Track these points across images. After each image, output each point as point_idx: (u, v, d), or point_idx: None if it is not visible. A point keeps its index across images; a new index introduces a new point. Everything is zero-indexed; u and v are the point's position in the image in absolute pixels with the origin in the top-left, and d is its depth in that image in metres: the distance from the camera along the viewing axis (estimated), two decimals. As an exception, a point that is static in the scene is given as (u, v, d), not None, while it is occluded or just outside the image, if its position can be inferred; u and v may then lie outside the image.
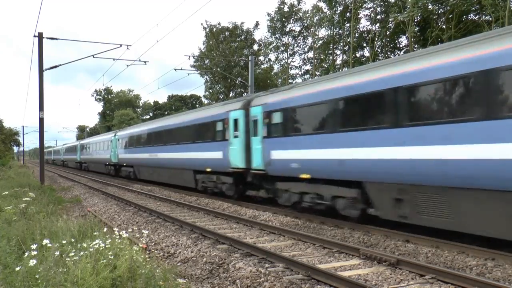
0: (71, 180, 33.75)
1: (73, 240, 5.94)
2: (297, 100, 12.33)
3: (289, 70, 44.79)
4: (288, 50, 43.47)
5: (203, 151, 17.86)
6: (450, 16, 26.87)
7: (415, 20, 28.95)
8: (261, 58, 46.41)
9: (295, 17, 41.52)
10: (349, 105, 10.33)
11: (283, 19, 41.32)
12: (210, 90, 50.52)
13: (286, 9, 41.20)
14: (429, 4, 28.02)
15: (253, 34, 48.59)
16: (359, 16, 34.52)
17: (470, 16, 27.42)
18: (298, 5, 41.20)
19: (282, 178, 13.16)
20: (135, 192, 22.04)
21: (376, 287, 6.12)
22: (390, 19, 30.41)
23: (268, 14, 42.20)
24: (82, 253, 4.70)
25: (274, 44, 43.43)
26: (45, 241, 4.97)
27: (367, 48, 35.25)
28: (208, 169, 17.50)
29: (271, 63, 46.87)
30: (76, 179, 34.44)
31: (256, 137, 14.21)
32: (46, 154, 74.20)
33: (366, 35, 35.26)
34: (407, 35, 30.11)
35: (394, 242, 8.82)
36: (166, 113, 74.12)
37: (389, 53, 34.05)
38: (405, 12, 27.22)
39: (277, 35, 42.81)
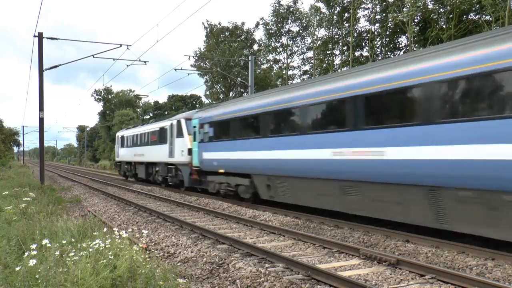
0: (71, 180, 33.76)
1: (73, 240, 5.93)
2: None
3: (288, 70, 44.72)
4: (287, 51, 43.42)
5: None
6: (451, 16, 26.85)
7: (415, 20, 28.92)
8: (261, 58, 46.34)
9: (293, 17, 41.35)
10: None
11: (280, 19, 41.14)
12: (211, 90, 50.46)
13: (282, 10, 40.99)
14: (429, 4, 27.98)
15: (253, 34, 48.53)
16: (357, 16, 34.47)
17: (471, 16, 27.39)
18: (295, 5, 41.03)
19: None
20: (135, 192, 22.05)
21: (376, 287, 6.11)
22: (390, 19, 30.38)
23: (262, 18, 42.12)
24: (82, 253, 4.69)
25: (272, 45, 43.30)
26: (45, 241, 4.97)
27: (367, 48, 35.22)
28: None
29: (271, 63, 46.77)
30: (76, 179, 34.45)
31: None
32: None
33: (365, 35, 35.22)
34: (407, 35, 30.09)
35: (394, 242, 8.82)
36: (166, 113, 74.00)
37: (389, 53, 34.02)
38: (405, 12, 27.20)
39: (273, 38, 42.69)
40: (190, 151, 19.59)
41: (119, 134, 34.65)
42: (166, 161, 22.40)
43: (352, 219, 11.07)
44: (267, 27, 42.23)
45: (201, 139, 17.99)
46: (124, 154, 32.34)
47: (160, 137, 23.41)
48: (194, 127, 18.89)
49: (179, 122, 21.15)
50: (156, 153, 23.85)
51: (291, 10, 40.94)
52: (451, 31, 25.83)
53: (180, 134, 20.77)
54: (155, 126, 25.00)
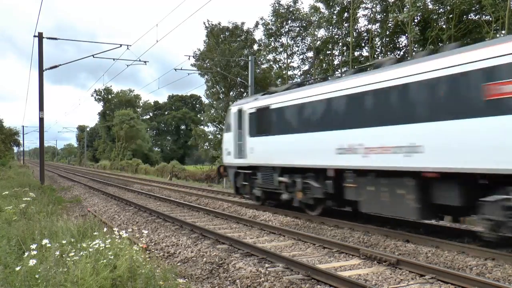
0: (71, 180, 33.74)
1: (73, 240, 5.93)
2: None
3: (288, 70, 44.70)
4: (288, 51, 43.39)
5: None
6: (451, 16, 26.84)
7: (415, 20, 28.91)
8: (261, 58, 46.32)
9: (293, 17, 41.30)
10: None
11: (280, 20, 41.12)
12: (212, 90, 50.46)
13: (282, 10, 40.94)
14: (429, 4, 27.98)
15: (253, 34, 48.51)
16: (357, 16, 34.47)
17: (471, 16, 27.38)
18: (295, 5, 40.99)
19: None
20: (135, 192, 22.04)
21: (376, 287, 6.11)
22: (390, 19, 30.38)
23: (262, 18, 42.09)
24: (82, 253, 4.69)
25: (272, 45, 43.30)
26: (45, 241, 4.96)
27: (366, 47, 35.22)
28: None
29: (271, 63, 46.75)
30: (76, 179, 34.44)
31: None
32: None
33: (365, 35, 35.23)
34: (407, 35, 30.08)
35: (394, 242, 8.82)
36: (166, 113, 73.70)
37: (389, 53, 34.00)
38: (405, 12, 27.19)
39: (273, 38, 42.67)
40: None
41: (244, 107, 15.18)
42: None
43: (352, 219, 11.06)
44: (267, 27, 42.26)
45: None
46: (273, 150, 13.54)
47: None
48: None
49: None
50: None
51: (291, 10, 40.95)
52: (451, 31, 25.82)
53: None
54: None
